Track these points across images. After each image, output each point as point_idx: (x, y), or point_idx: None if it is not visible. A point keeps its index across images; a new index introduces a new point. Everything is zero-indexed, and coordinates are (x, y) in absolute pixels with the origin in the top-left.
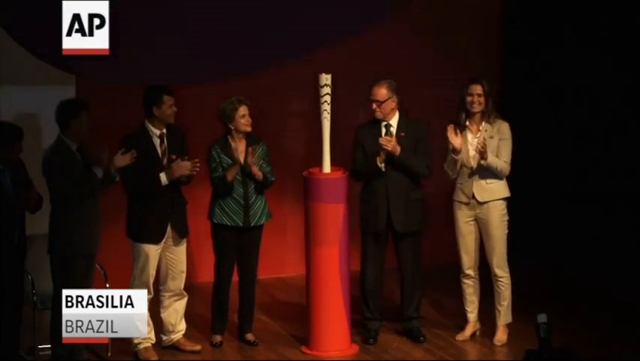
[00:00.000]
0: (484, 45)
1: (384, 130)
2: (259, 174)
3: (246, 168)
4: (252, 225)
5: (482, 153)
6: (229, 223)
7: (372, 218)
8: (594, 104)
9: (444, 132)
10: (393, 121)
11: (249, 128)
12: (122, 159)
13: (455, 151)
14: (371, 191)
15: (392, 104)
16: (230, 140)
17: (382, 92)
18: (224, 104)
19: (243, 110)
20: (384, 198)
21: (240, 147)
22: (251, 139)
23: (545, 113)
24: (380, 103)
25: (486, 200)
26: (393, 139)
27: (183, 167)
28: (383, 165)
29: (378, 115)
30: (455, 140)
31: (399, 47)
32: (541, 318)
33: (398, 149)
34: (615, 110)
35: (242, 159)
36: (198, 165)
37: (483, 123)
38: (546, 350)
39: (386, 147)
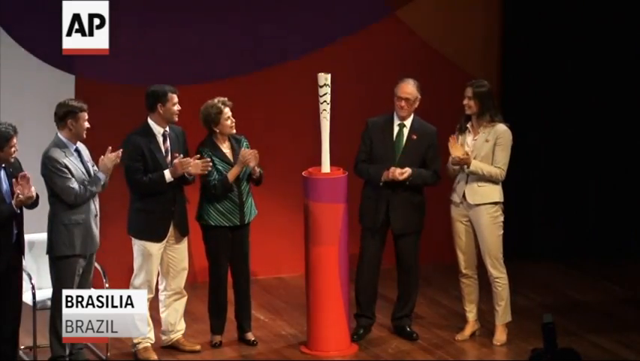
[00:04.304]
0: (484, 45)
1: (397, 129)
2: (257, 172)
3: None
4: (246, 222)
5: (460, 164)
6: (226, 224)
7: (371, 214)
8: (594, 104)
9: (445, 136)
10: (407, 121)
11: (233, 130)
12: (110, 159)
13: (454, 163)
14: (373, 189)
15: (416, 103)
16: (215, 141)
17: (412, 89)
18: (207, 107)
19: (227, 112)
20: (384, 200)
21: (224, 146)
22: (233, 137)
23: (544, 113)
24: (411, 101)
25: (476, 202)
26: (252, 153)
27: (196, 166)
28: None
29: (403, 112)
30: (454, 150)
31: (398, 47)
32: (547, 318)
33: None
34: (614, 110)
35: (230, 157)
36: (210, 164)
37: (481, 127)
38: (551, 350)
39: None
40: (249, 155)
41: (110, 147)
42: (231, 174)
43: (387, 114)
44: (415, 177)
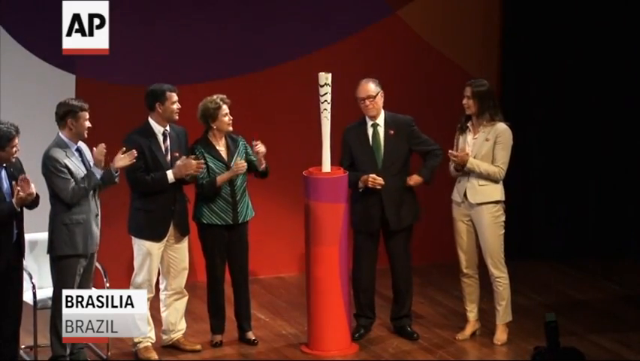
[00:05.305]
0: (484, 45)
1: (371, 130)
2: (263, 165)
3: (232, 167)
4: (240, 222)
5: (458, 165)
6: (219, 222)
7: (365, 218)
8: (594, 104)
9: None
10: (380, 119)
11: (231, 128)
12: (123, 160)
13: (457, 169)
14: (362, 194)
15: (381, 99)
16: (211, 139)
17: (371, 87)
18: (206, 103)
19: (225, 108)
20: (377, 199)
21: (220, 145)
22: (230, 136)
23: (544, 113)
24: (373, 98)
25: (477, 202)
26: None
27: (190, 166)
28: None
29: (372, 112)
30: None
31: (399, 47)
32: (550, 317)
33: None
34: (614, 110)
35: (224, 156)
36: (203, 165)
37: (481, 126)
38: (554, 349)
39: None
40: (243, 167)
41: (124, 149)
42: (221, 179)
43: (360, 119)
44: (428, 177)
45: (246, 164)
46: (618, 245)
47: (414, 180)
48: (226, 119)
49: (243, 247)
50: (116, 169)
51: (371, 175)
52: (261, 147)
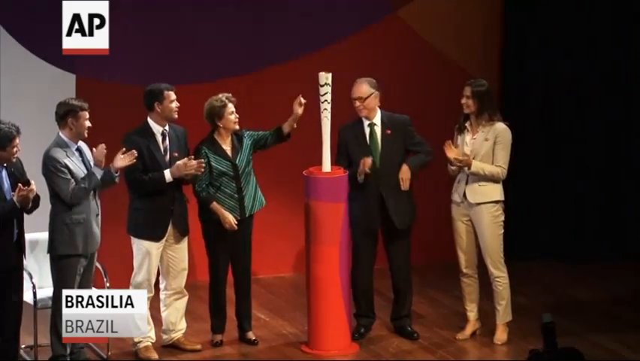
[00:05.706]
0: (484, 45)
1: (368, 130)
2: (294, 125)
3: (236, 163)
4: (247, 215)
5: (460, 166)
6: None
7: (366, 217)
8: (594, 104)
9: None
10: (377, 119)
11: (237, 126)
12: (122, 160)
13: (451, 163)
14: (360, 190)
15: (375, 100)
16: (217, 138)
17: (364, 88)
18: (212, 101)
19: (231, 107)
20: (377, 198)
21: (226, 143)
22: (235, 134)
23: (544, 113)
24: (363, 99)
25: (477, 202)
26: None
27: (190, 166)
28: (362, 177)
29: (363, 113)
30: (450, 153)
31: (399, 47)
32: (546, 318)
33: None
34: (614, 109)
35: (230, 154)
36: (203, 165)
37: (480, 126)
38: (551, 350)
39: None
40: (234, 228)
41: (124, 149)
42: (215, 208)
43: (356, 118)
44: (416, 167)
45: (236, 227)
46: (618, 245)
47: (404, 172)
48: (232, 117)
49: (246, 247)
50: (116, 169)
51: (361, 160)
52: (302, 102)
